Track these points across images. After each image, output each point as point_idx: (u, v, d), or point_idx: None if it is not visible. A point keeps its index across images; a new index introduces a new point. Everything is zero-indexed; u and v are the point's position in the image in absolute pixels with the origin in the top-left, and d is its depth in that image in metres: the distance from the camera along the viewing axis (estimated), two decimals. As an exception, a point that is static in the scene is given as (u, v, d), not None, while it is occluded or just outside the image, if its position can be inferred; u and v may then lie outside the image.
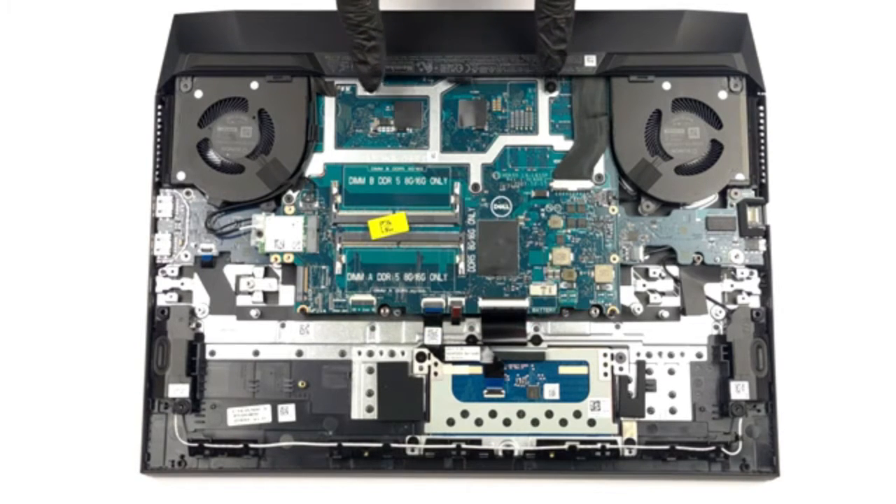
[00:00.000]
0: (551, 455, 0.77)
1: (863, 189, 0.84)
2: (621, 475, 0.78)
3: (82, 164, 0.85)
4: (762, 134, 0.81)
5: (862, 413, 0.81)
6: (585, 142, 0.81)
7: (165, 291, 0.80)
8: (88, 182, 0.85)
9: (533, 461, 0.78)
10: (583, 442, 0.77)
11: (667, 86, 0.81)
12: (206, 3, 0.83)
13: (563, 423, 0.78)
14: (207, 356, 0.79)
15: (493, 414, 0.78)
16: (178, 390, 0.78)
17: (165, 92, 0.82)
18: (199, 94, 0.81)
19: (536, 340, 0.79)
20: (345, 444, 0.77)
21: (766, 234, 0.80)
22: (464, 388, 0.78)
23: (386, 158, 0.81)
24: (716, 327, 0.79)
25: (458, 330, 0.79)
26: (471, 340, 0.79)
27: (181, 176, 0.81)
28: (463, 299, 0.79)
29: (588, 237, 0.80)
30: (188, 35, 0.82)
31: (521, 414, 0.78)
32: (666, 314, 0.80)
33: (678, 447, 0.77)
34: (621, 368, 0.79)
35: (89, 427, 0.81)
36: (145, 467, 0.78)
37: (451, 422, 0.78)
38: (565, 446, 0.77)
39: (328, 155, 0.81)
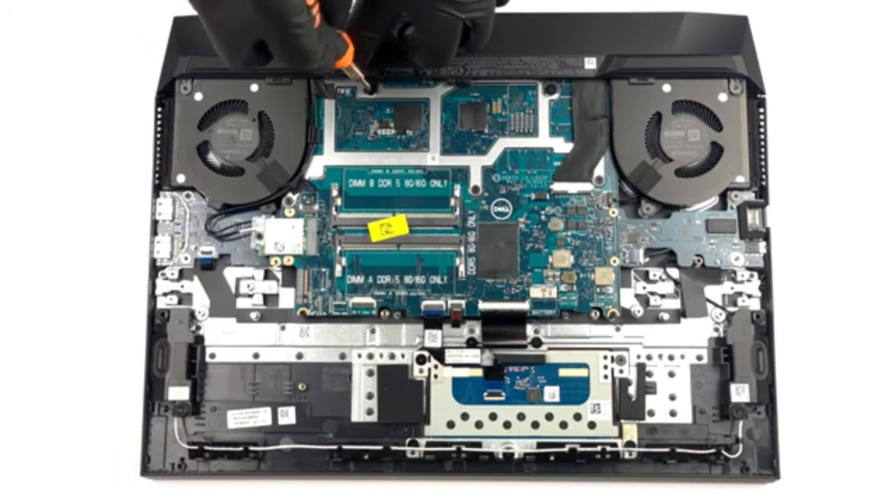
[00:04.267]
0: (551, 458, 0.77)
1: (863, 191, 0.84)
2: (621, 478, 0.78)
3: (82, 167, 0.85)
4: (762, 136, 0.81)
5: (862, 415, 0.81)
6: (585, 144, 0.81)
7: (165, 294, 0.80)
8: (88, 185, 0.85)
9: (533, 464, 0.78)
10: (583, 444, 0.77)
11: (667, 88, 0.81)
12: (205, 6, 0.83)
13: (564, 425, 0.78)
14: (207, 359, 0.79)
15: (493, 416, 0.78)
16: (178, 393, 0.78)
17: (165, 94, 0.82)
18: (198, 96, 0.81)
19: (536, 343, 0.79)
20: (345, 447, 0.77)
21: (766, 237, 0.80)
22: (464, 391, 0.78)
23: (386, 161, 0.81)
24: (716, 330, 0.79)
25: (458, 332, 0.79)
26: (471, 343, 0.79)
27: (181, 178, 0.81)
28: (463, 302, 0.79)
29: (588, 240, 0.80)
30: (188, 37, 0.82)
31: (521, 416, 0.78)
32: (666, 316, 0.80)
33: (678, 450, 0.77)
34: (621, 371, 0.79)
35: (90, 430, 0.81)
36: (145, 470, 0.78)
37: (451, 424, 0.78)
38: (565, 449, 0.77)
39: (328, 157, 0.81)
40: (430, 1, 0.68)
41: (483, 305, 0.78)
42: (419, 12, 0.70)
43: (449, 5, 0.68)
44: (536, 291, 0.79)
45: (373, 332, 0.79)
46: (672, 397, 0.78)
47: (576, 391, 0.78)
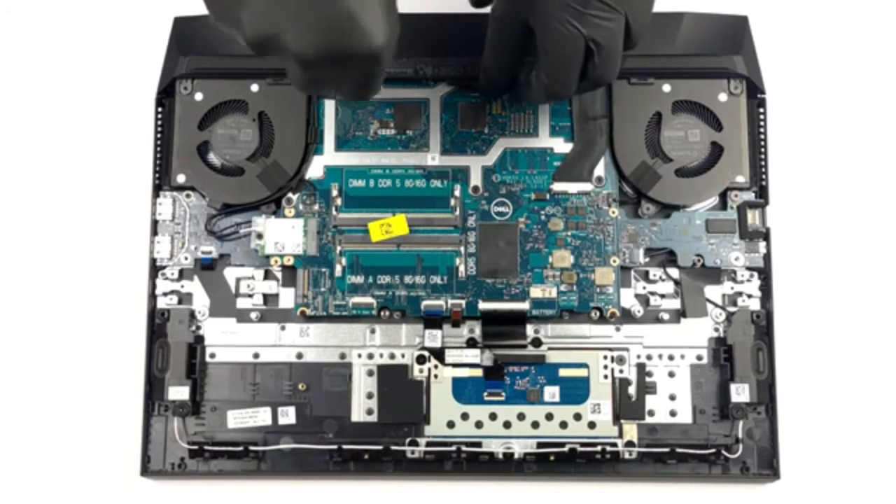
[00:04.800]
0: (551, 457, 0.77)
1: (863, 191, 0.84)
2: (621, 477, 0.78)
3: (82, 167, 0.85)
4: (762, 136, 0.81)
5: (862, 415, 0.81)
6: (585, 144, 0.81)
7: (165, 294, 0.80)
8: (89, 185, 0.85)
9: (533, 464, 0.78)
10: (583, 444, 0.77)
11: (667, 88, 0.81)
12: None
13: (564, 425, 0.78)
14: (207, 359, 0.79)
15: (493, 416, 0.78)
16: (178, 393, 0.78)
17: (165, 94, 0.82)
18: (199, 96, 0.81)
19: (536, 343, 0.79)
20: (345, 447, 0.77)
21: (766, 237, 0.80)
22: (464, 391, 0.78)
23: (386, 161, 0.81)
24: (716, 330, 0.79)
25: (459, 332, 0.79)
26: (471, 343, 0.79)
27: (181, 178, 0.81)
28: (463, 302, 0.79)
29: (588, 239, 0.80)
30: (188, 37, 0.82)
31: (521, 416, 0.78)
32: (666, 316, 0.80)
33: (678, 450, 0.77)
34: (621, 371, 0.79)
35: (89, 430, 0.81)
36: (145, 470, 0.78)
37: (451, 424, 0.78)
38: (565, 449, 0.77)
39: (328, 157, 0.81)
40: (552, 12, 0.67)
41: (483, 305, 0.78)
42: (541, 25, 0.68)
43: (569, 13, 0.66)
44: (536, 291, 0.79)
45: (373, 332, 0.79)
46: (672, 397, 0.78)
47: (576, 391, 0.78)
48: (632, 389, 0.78)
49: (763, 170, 0.81)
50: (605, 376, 0.78)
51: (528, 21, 0.69)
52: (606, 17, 0.66)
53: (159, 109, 0.82)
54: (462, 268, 0.79)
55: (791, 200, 0.83)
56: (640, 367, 0.79)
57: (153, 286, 0.80)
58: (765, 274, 0.80)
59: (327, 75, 0.61)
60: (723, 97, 0.81)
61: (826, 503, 0.80)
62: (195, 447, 0.77)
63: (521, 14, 0.69)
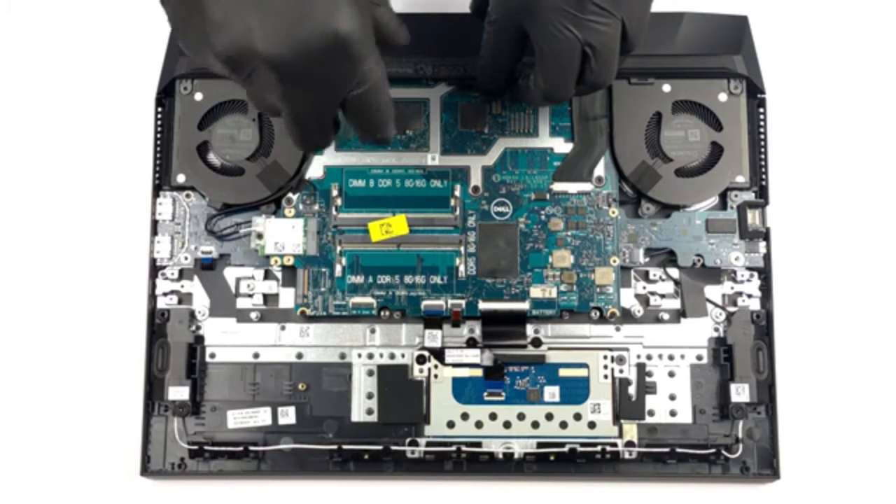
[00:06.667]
0: (551, 457, 0.77)
1: (863, 191, 0.84)
2: (621, 477, 0.78)
3: (82, 167, 0.85)
4: (762, 136, 0.81)
5: (862, 415, 0.81)
6: (585, 144, 0.81)
7: (165, 294, 0.80)
8: (88, 185, 0.85)
9: (533, 463, 0.78)
10: (583, 444, 0.77)
11: (667, 88, 0.81)
12: (206, 6, 0.83)
13: (564, 425, 0.78)
14: (207, 359, 0.79)
15: (493, 416, 0.78)
16: (178, 393, 0.78)
17: (165, 94, 0.82)
18: (199, 96, 0.81)
19: (536, 343, 0.79)
20: (345, 447, 0.77)
21: (766, 237, 0.80)
22: (464, 391, 0.78)
23: (386, 161, 0.81)
24: (716, 330, 0.79)
25: (459, 332, 0.79)
26: (471, 343, 0.79)
27: (181, 178, 0.81)
28: (463, 302, 0.79)
29: (588, 239, 0.80)
30: (188, 37, 0.82)
31: (521, 416, 0.78)
32: (666, 316, 0.80)
33: (678, 449, 0.77)
34: (621, 371, 0.79)
35: (89, 430, 0.81)
36: (145, 470, 0.78)
37: (451, 424, 0.78)
38: (565, 449, 0.77)
39: (328, 157, 0.81)
40: (548, 17, 0.66)
41: (483, 305, 0.78)
42: (537, 30, 0.68)
43: (565, 17, 0.66)
44: (536, 291, 0.79)
45: (373, 332, 0.79)
46: (672, 397, 0.78)
47: (576, 391, 0.78)
48: (632, 389, 0.78)
49: (763, 170, 0.81)
50: (605, 376, 0.78)
51: (524, 26, 0.69)
52: (603, 21, 0.66)
53: (159, 109, 0.82)
54: (462, 268, 0.79)
55: (791, 200, 0.83)
56: (640, 367, 0.79)
57: (153, 286, 0.80)
58: (765, 274, 0.80)
59: (307, 83, 0.59)
60: (723, 97, 0.81)
61: (826, 503, 0.80)
62: (195, 447, 0.77)
63: (517, 19, 0.69)
